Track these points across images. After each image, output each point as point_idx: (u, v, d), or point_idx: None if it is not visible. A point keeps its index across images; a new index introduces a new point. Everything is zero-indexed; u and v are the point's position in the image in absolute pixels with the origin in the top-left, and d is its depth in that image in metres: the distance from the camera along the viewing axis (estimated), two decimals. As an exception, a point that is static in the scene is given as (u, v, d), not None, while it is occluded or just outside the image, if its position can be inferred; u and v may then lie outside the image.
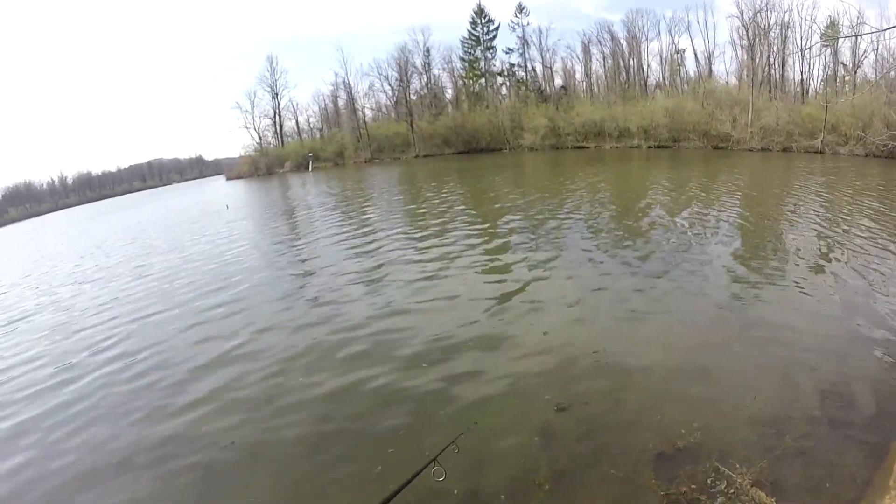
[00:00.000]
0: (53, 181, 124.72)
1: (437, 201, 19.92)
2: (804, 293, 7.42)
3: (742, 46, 41.30)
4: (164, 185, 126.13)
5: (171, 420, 5.66)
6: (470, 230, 13.65)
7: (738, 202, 14.54)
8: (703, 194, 16.44)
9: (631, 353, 5.99)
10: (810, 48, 40.18)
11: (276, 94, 69.13)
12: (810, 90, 40.48)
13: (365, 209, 20.18)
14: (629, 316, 7.09)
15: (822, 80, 40.49)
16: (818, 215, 12.24)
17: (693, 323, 6.70)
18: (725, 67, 50.12)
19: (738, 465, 3.95)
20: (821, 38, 39.73)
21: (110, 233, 26.82)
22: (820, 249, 9.43)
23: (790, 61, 41.01)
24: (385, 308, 8.29)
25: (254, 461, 4.76)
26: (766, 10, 38.90)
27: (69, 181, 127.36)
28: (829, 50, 39.39)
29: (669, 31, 49.13)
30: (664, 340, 6.23)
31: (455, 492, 4.03)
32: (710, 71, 46.43)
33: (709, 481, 3.86)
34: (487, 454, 4.46)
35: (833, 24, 37.86)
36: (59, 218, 63.86)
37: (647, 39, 49.51)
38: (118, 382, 6.80)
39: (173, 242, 18.40)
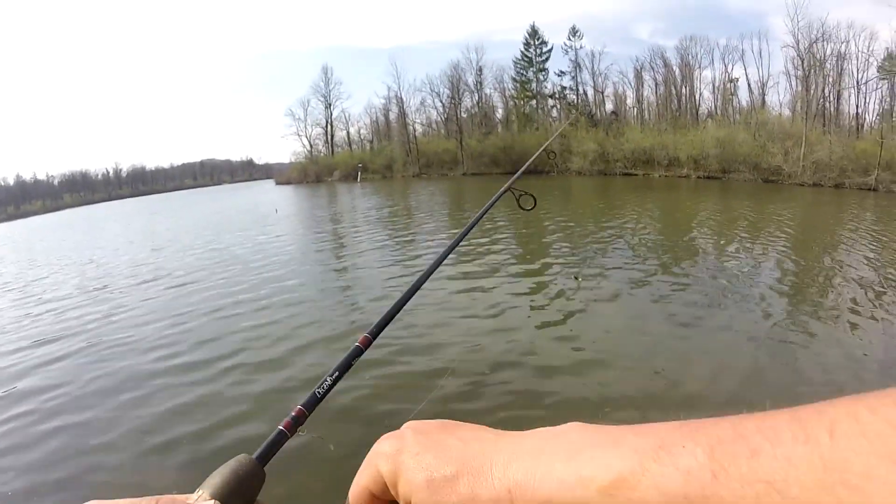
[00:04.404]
0: (108, 172, 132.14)
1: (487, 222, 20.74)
2: (845, 335, 7.58)
3: (796, 77, 41.26)
4: (215, 184, 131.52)
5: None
6: (515, 248, 14.69)
7: (787, 239, 15.02)
8: (752, 229, 16.96)
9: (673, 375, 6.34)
10: (867, 82, 40.16)
11: (330, 105, 72.63)
12: (865, 125, 40.34)
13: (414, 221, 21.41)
14: (670, 335, 7.55)
15: (878, 115, 40.27)
16: (867, 259, 12.47)
17: (732, 354, 6.97)
18: (779, 98, 49.82)
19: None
20: (878, 71, 39.61)
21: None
22: (865, 293, 9.64)
23: (845, 94, 40.91)
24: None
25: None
26: (823, 41, 38.96)
27: (123, 174, 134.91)
28: (886, 84, 39.28)
29: (723, 59, 49.25)
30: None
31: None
32: (764, 101, 46.49)
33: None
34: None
35: (891, 57, 37.79)
36: (120, 207, 66.62)
37: (700, 67, 49.80)
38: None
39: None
